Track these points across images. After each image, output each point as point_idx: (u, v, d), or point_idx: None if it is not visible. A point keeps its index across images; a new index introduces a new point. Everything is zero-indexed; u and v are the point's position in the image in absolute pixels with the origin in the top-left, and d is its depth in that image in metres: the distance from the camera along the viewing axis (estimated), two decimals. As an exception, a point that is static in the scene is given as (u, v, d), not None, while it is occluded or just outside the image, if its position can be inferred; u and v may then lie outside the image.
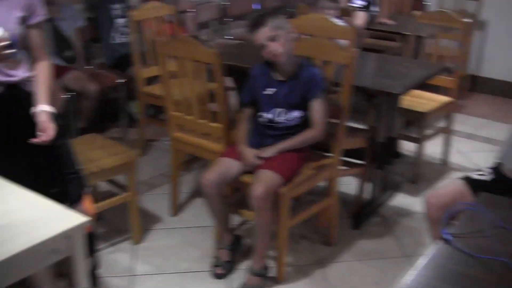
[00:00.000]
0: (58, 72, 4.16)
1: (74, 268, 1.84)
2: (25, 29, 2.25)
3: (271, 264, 2.93)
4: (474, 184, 2.53)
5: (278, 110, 2.79)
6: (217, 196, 2.79)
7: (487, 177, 2.56)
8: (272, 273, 2.90)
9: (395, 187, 3.79)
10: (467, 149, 4.55)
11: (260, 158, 2.74)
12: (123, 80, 4.44)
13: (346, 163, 3.36)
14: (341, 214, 3.39)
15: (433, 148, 4.24)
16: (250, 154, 2.77)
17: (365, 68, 3.54)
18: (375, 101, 3.19)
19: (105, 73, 4.50)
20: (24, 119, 2.26)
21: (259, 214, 2.65)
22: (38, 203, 1.89)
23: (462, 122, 4.94)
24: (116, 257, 3.11)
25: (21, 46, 2.26)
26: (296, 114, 2.79)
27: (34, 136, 2.20)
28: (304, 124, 2.81)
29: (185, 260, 3.08)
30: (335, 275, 2.95)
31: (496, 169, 2.57)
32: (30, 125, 2.24)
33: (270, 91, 2.81)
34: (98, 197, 3.33)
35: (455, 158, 4.32)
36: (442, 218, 1.96)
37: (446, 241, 1.68)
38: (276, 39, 2.66)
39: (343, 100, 2.88)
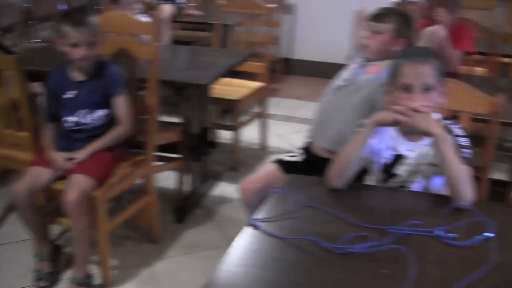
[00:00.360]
0: None
1: None
2: None
3: (96, 270, 2.85)
4: (286, 166, 2.65)
5: (82, 111, 2.72)
6: (29, 207, 2.66)
7: (298, 157, 2.69)
8: (97, 279, 2.82)
9: (216, 177, 3.86)
10: (285, 131, 4.75)
11: (71, 160, 2.66)
12: None
13: (162, 158, 3.35)
14: (163, 209, 3.39)
15: (250, 134, 4.38)
16: (60, 157, 2.67)
17: (174, 61, 3.57)
18: (185, 94, 3.21)
19: None
20: None
21: (75, 220, 2.57)
22: None
23: (278, 106, 5.15)
24: None
25: None
26: (101, 113, 2.74)
27: None
28: (111, 122, 2.77)
29: (8, 277, 2.90)
30: (162, 272, 2.95)
31: (307, 149, 2.71)
32: None
33: (71, 94, 2.73)
34: None
35: (273, 141, 4.49)
36: (251, 204, 2.02)
37: (255, 227, 1.74)
38: (86, 43, 2.61)
39: (150, 95, 2.87)
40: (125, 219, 2.96)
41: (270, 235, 1.70)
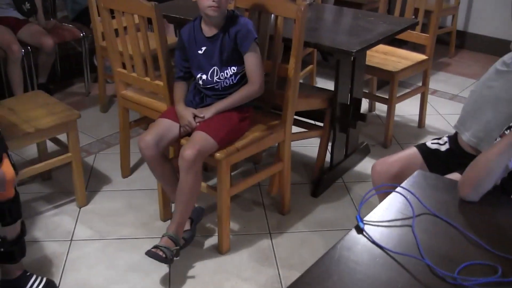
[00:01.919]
0: (16, 25, 3.96)
1: None
2: None
3: (214, 232, 2.75)
4: (427, 153, 2.32)
5: (212, 68, 2.57)
6: (157, 158, 2.59)
7: (442, 146, 2.34)
8: (207, 243, 2.73)
9: (363, 152, 3.56)
10: (447, 111, 4.31)
11: (197, 118, 2.55)
12: (85, 34, 4.22)
13: (304, 125, 3.13)
14: (298, 179, 3.19)
15: (409, 109, 4.01)
16: (187, 114, 2.56)
17: (329, 23, 3.28)
18: (334, 60, 2.94)
19: (66, 27, 4.29)
20: None
21: (184, 177, 2.44)
22: None
23: (445, 82, 4.69)
24: (58, 220, 2.96)
25: None
26: (232, 70, 2.57)
27: None
28: (243, 81, 2.60)
29: (127, 226, 2.92)
30: (283, 246, 2.77)
31: (453, 139, 2.35)
32: None
33: (201, 49, 2.58)
34: (43, 156, 3.17)
35: (432, 120, 4.09)
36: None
37: (359, 230, 1.48)
38: None
39: (292, 56, 2.64)
40: (253, 184, 2.81)
41: (373, 243, 1.43)
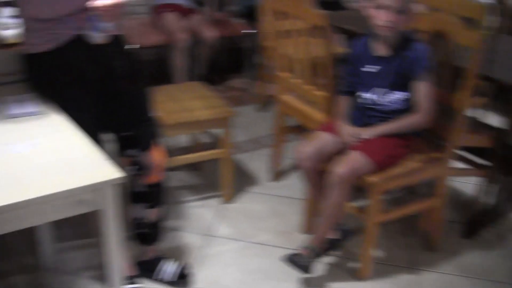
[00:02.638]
0: (184, 13, 4.07)
1: (103, 223, 1.72)
2: None
3: (356, 258, 2.63)
4: None
5: (379, 90, 2.43)
6: (312, 171, 2.55)
7: None
8: (350, 268, 2.61)
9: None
10: None
11: (357, 137, 2.45)
12: (251, 31, 4.24)
13: (467, 161, 2.90)
14: (451, 217, 2.97)
15: None
16: (347, 131, 2.48)
17: (502, 55, 3.00)
18: (509, 97, 2.68)
19: (233, 21, 4.35)
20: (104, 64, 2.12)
21: (333, 193, 2.36)
22: (86, 149, 1.78)
23: None
24: (201, 213, 2.99)
25: None
26: (399, 95, 2.42)
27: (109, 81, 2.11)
28: (410, 108, 2.44)
29: (267, 232, 2.88)
30: (427, 285, 2.57)
31: None
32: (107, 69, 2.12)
33: (370, 68, 2.45)
34: (197, 147, 3.22)
35: None
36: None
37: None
38: (395, 9, 2.29)
39: (463, 89, 2.43)
40: (404, 214, 2.64)
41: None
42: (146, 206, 2.36)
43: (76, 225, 2.74)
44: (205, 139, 3.37)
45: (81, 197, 1.61)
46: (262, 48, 3.93)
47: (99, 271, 2.49)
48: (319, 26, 2.55)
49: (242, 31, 4.29)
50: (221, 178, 3.02)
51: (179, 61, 3.99)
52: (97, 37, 1.99)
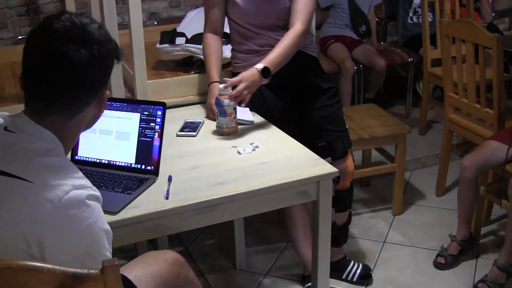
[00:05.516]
0: (351, 44, 4.47)
1: (317, 213, 2.04)
2: None
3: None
4: None
5: None
6: (472, 181, 2.72)
7: None
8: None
9: None
10: None
11: None
12: (412, 60, 4.53)
13: None
14: None
15: None
16: None
17: None
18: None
19: (396, 51, 4.65)
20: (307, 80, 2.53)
21: None
22: (299, 150, 2.15)
23: None
24: (374, 223, 3.29)
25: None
26: None
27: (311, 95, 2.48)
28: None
29: (436, 238, 3.11)
30: None
31: None
32: (309, 84, 2.52)
33: None
34: (368, 163, 3.54)
35: None
36: None
37: None
38: None
39: None
40: None
41: None
42: (337, 209, 2.63)
43: (260, 233, 3.17)
44: (374, 157, 3.67)
45: (303, 188, 1.96)
46: (426, 74, 4.21)
47: (284, 272, 2.87)
48: (492, 49, 2.81)
49: (405, 60, 4.55)
50: (393, 192, 3.31)
51: (345, 86, 4.36)
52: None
